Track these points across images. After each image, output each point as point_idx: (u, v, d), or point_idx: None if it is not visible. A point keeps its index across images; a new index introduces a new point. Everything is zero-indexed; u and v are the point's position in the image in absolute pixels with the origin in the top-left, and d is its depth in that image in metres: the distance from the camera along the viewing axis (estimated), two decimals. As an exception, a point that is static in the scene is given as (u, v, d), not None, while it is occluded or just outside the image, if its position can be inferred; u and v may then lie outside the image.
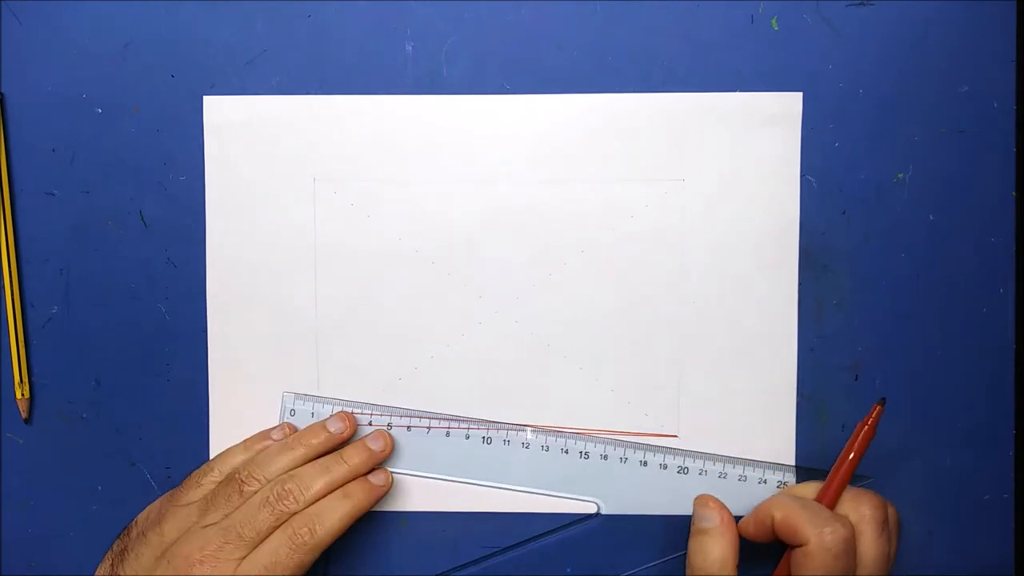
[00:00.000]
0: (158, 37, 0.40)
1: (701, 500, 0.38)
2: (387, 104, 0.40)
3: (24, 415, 0.41)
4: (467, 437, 0.41)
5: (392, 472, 0.40)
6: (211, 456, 0.41)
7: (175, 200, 0.41)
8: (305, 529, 0.35)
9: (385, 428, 0.40)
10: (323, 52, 0.40)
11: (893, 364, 0.40)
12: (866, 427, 0.37)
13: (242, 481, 0.36)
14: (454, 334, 0.41)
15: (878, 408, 0.37)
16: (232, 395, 0.41)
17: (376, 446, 0.39)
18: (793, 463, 0.40)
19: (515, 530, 0.41)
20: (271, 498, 0.36)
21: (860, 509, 0.36)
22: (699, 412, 0.40)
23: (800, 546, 0.35)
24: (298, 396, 0.41)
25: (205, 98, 0.40)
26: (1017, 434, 0.41)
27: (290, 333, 0.41)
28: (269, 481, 0.36)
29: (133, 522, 0.38)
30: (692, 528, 0.38)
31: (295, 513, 0.36)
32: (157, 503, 0.38)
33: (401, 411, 0.41)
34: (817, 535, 0.34)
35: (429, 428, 0.41)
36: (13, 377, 0.41)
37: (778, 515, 0.36)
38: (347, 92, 0.40)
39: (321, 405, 0.41)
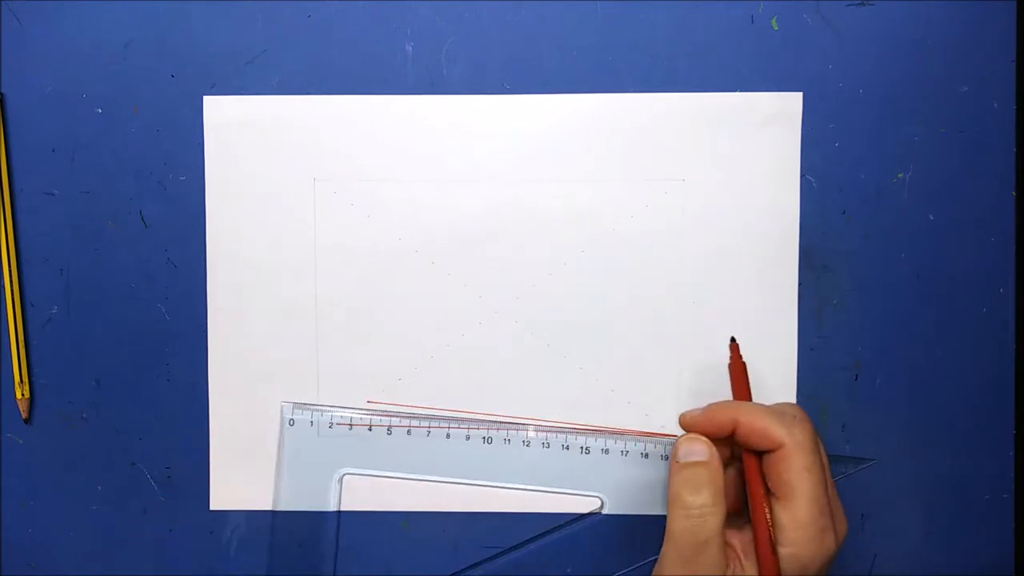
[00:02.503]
0: (158, 37, 0.40)
1: (688, 437, 0.35)
2: (387, 104, 0.40)
3: (24, 415, 0.41)
4: (467, 438, 0.41)
5: (393, 476, 0.40)
6: (211, 455, 0.41)
7: (175, 200, 0.41)
8: None
9: (385, 432, 0.40)
10: (323, 52, 0.40)
11: (893, 364, 0.40)
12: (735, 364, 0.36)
13: None
14: (454, 334, 0.41)
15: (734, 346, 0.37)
16: (232, 395, 0.41)
17: None
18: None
19: (515, 530, 0.41)
20: None
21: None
22: (699, 412, 0.40)
23: (772, 450, 0.33)
24: (296, 405, 0.41)
25: (205, 98, 0.40)
26: (1017, 434, 0.41)
27: (290, 333, 0.41)
28: None
29: None
30: (675, 465, 0.34)
31: None
32: None
33: (401, 414, 0.41)
34: (789, 435, 0.32)
35: (429, 431, 0.41)
36: (13, 377, 0.41)
37: (744, 420, 0.33)
38: (347, 92, 0.40)
39: (320, 414, 0.41)
